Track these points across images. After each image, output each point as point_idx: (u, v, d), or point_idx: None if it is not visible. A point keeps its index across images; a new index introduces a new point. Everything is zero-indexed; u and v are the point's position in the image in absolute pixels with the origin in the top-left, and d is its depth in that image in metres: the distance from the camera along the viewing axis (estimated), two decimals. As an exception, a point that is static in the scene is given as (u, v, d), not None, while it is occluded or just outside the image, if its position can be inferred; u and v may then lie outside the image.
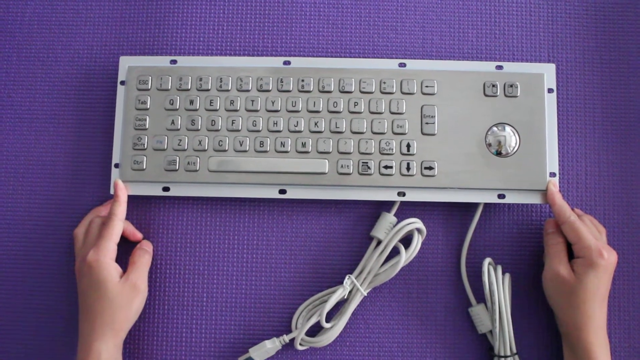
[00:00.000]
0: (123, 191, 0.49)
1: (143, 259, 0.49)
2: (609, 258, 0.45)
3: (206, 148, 0.50)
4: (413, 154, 0.49)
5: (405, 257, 0.49)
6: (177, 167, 0.50)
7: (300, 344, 0.49)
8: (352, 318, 0.50)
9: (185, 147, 0.50)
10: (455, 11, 0.54)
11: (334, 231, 0.52)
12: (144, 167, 0.50)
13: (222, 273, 0.52)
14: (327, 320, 0.49)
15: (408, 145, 0.50)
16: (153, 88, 0.51)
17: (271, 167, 0.49)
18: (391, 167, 0.49)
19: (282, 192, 0.50)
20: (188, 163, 0.50)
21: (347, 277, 0.49)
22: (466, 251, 0.51)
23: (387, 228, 0.50)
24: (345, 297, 0.49)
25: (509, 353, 0.48)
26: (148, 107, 0.51)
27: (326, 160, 0.50)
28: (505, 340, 0.47)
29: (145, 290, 0.48)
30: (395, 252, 0.49)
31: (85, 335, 0.45)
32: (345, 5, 0.55)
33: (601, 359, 0.45)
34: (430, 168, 0.49)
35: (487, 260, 0.49)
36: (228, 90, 0.51)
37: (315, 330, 0.50)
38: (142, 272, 0.48)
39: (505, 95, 0.50)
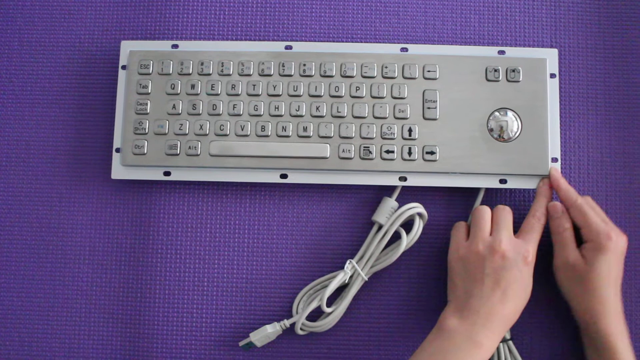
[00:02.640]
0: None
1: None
2: (618, 241, 0.45)
3: (207, 133, 0.50)
4: (415, 139, 0.49)
5: (407, 241, 0.49)
6: (178, 152, 0.50)
7: (300, 329, 0.49)
8: (353, 303, 0.50)
9: (187, 132, 0.50)
10: (457, -4, 0.54)
11: (335, 216, 0.52)
12: (145, 151, 0.50)
13: (223, 257, 0.52)
14: (328, 305, 0.49)
15: (410, 130, 0.49)
16: (154, 72, 0.51)
17: (272, 151, 0.49)
18: (392, 152, 0.49)
19: (283, 176, 0.50)
20: (189, 147, 0.50)
21: (348, 261, 0.49)
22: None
23: (388, 213, 0.50)
24: (346, 281, 0.49)
25: (506, 337, 0.48)
26: (149, 91, 0.50)
27: (327, 145, 0.49)
28: None
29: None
30: (396, 237, 0.49)
31: (480, 322, 0.43)
32: (347, -10, 0.55)
33: (620, 346, 0.44)
34: (432, 153, 0.49)
35: None
36: (229, 75, 0.50)
37: (316, 315, 0.50)
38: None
39: (508, 80, 0.50)
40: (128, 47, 0.52)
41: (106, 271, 0.52)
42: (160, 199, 0.52)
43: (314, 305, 0.48)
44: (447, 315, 0.45)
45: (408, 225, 0.50)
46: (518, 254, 0.45)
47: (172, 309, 0.51)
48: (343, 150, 0.49)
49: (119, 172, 0.50)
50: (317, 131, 0.50)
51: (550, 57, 0.50)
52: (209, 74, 0.51)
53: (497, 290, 0.44)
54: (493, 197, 0.52)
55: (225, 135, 0.50)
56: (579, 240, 0.47)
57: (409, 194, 0.52)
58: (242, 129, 0.50)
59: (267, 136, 0.50)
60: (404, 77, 0.50)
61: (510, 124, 0.49)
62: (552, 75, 0.50)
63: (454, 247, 0.47)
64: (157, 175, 0.50)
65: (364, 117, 0.50)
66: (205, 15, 0.54)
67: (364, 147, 0.49)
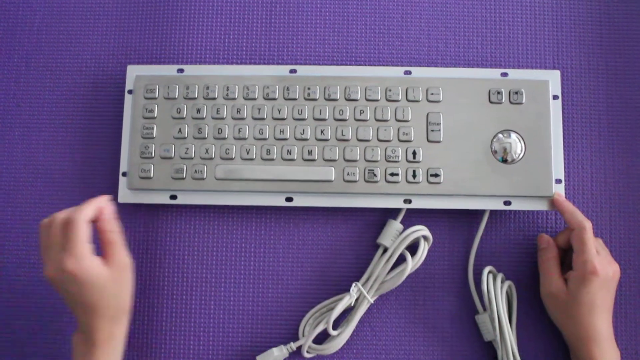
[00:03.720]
0: (103, 202, 0.46)
1: (115, 235, 0.46)
2: (604, 274, 0.45)
3: (213, 156, 0.50)
4: (419, 162, 0.50)
5: (412, 264, 0.49)
6: (184, 176, 0.50)
7: (307, 352, 0.49)
8: (359, 325, 0.51)
9: (192, 156, 0.50)
10: (460, 18, 0.55)
11: (341, 238, 0.52)
12: (152, 175, 0.50)
13: (229, 280, 0.52)
14: (334, 328, 0.49)
15: (414, 153, 0.50)
16: (160, 97, 0.51)
17: (278, 175, 0.50)
18: (397, 175, 0.50)
19: (289, 199, 0.50)
20: (195, 171, 0.50)
21: (353, 284, 0.49)
22: (473, 259, 0.51)
23: (393, 235, 0.50)
24: (352, 304, 0.49)
25: None
26: (155, 115, 0.51)
27: (332, 168, 0.50)
28: (507, 348, 0.48)
29: (130, 262, 0.46)
30: (401, 260, 0.50)
31: (94, 327, 0.44)
32: (351, 13, 0.55)
33: None
34: (436, 175, 0.49)
35: (487, 268, 0.49)
36: (235, 99, 0.51)
37: (322, 337, 0.50)
38: (122, 247, 0.45)
39: (511, 102, 0.50)
40: (134, 72, 0.52)
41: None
42: (166, 223, 0.53)
43: (320, 328, 0.49)
44: None
45: (413, 247, 0.50)
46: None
47: (179, 332, 0.51)
48: (348, 173, 0.50)
49: (125, 195, 0.51)
50: (322, 154, 0.50)
51: (552, 79, 0.51)
52: (214, 98, 0.51)
53: None
54: (498, 219, 0.52)
55: (231, 159, 0.50)
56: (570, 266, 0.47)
57: (413, 216, 0.52)
58: (248, 153, 0.50)
59: (272, 160, 0.50)
60: (408, 100, 0.51)
61: (514, 146, 0.49)
62: (555, 97, 0.50)
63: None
64: (163, 199, 0.51)
65: (368, 140, 0.50)
66: (210, 39, 0.55)
67: (369, 169, 0.50)
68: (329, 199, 0.50)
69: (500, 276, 0.49)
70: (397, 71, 0.52)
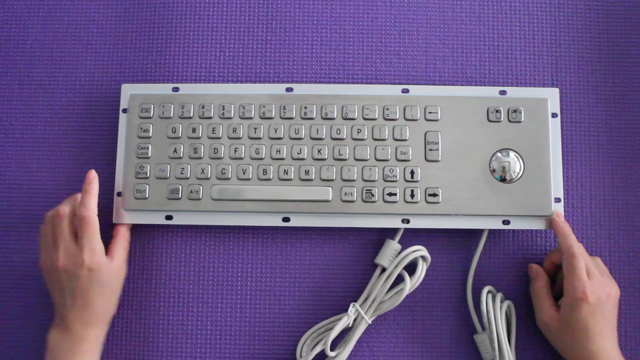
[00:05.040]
0: (95, 183, 0.47)
1: (122, 236, 0.50)
2: (595, 298, 0.44)
3: (209, 176, 0.50)
4: (417, 181, 0.49)
5: (410, 284, 0.48)
6: (180, 196, 0.50)
7: None
8: (357, 346, 0.50)
9: (188, 176, 0.50)
10: (458, 36, 0.54)
11: (338, 258, 0.52)
12: (147, 195, 0.50)
13: (226, 301, 0.51)
14: (332, 349, 0.48)
15: (412, 172, 0.49)
16: (155, 116, 0.51)
17: (274, 195, 0.49)
18: (395, 195, 0.49)
19: (286, 220, 0.50)
20: (191, 192, 0.50)
21: (351, 305, 0.49)
22: (472, 278, 0.50)
23: (391, 255, 0.50)
24: (350, 325, 0.49)
25: None
26: (150, 135, 0.50)
27: (330, 188, 0.49)
28: None
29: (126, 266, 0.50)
30: (399, 279, 0.49)
31: (85, 321, 0.46)
32: (348, 31, 0.55)
33: None
34: (435, 195, 0.49)
35: (487, 288, 0.49)
36: (230, 118, 0.50)
37: (320, 358, 0.49)
38: (125, 250, 0.50)
39: (509, 121, 0.50)
40: (129, 91, 0.51)
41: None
42: (162, 243, 0.52)
43: (318, 349, 0.48)
44: None
45: (411, 266, 0.49)
46: None
47: (176, 354, 0.51)
48: (345, 194, 0.49)
49: (120, 216, 0.50)
50: (319, 174, 0.50)
51: (551, 97, 0.50)
52: (210, 117, 0.50)
53: None
54: (496, 238, 0.52)
55: (227, 179, 0.50)
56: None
57: (411, 236, 0.51)
58: (244, 173, 0.50)
59: (269, 179, 0.50)
60: (406, 119, 0.50)
61: (513, 165, 0.49)
62: (554, 115, 0.50)
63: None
64: (159, 219, 0.50)
65: (365, 160, 0.50)
66: (205, 57, 0.54)
67: (366, 189, 0.49)
68: (327, 219, 0.50)
69: (499, 296, 0.49)
70: (394, 89, 0.51)
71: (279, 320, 0.51)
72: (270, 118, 0.50)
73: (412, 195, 0.49)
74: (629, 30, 0.54)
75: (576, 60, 0.54)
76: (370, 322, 0.49)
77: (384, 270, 0.50)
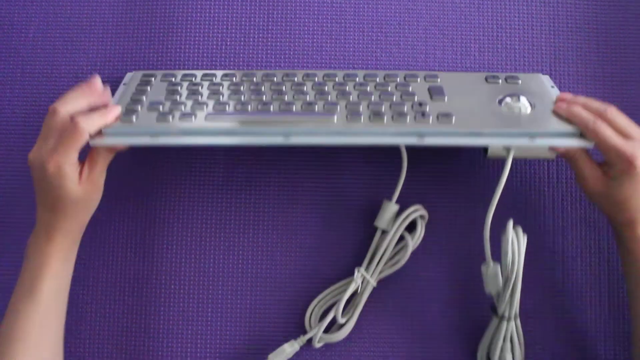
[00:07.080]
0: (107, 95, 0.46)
1: (101, 155, 0.45)
2: None
3: (207, 104, 0.46)
4: (426, 110, 0.46)
5: (412, 244, 0.49)
6: (172, 120, 0.45)
7: (317, 342, 0.49)
8: (363, 309, 0.50)
9: (184, 101, 0.47)
10: (457, 25, 0.55)
11: (335, 223, 0.52)
12: (134, 120, 0.45)
13: (226, 280, 0.52)
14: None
15: (420, 104, 0.46)
16: (156, 80, 0.50)
17: (275, 118, 0.45)
18: (405, 115, 0.45)
19: (286, 138, 0.44)
20: (183, 114, 0.45)
21: (356, 269, 0.49)
22: (493, 209, 0.46)
23: (390, 217, 0.50)
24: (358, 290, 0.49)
25: (513, 315, 0.47)
26: (149, 89, 0.48)
27: (337, 106, 0.46)
28: (514, 302, 0.46)
29: (102, 185, 0.46)
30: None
31: (45, 225, 0.44)
32: (348, 20, 0.55)
33: None
34: (448, 115, 0.45)
35: (511, 221, 0.46)
36: (234, 82, 0.49)
37: (327, 326, 0.49)
38: (103, 172, 0.46)
39: (507, 82, 0.49)
40: (131, 79, 0.51)
41: (110, 302, 0.52)
42: (163, 228, 0.53)
43: (329, 317, 0.49)
44: None
45: (410, 226, 0.50)
46: None
47: (177, 340, 0.51)
48: (351, 113, 0.45)
49: (100, 137, 0.45)
50: (323, 105, 0.46)
51: (546, 79, 0.50)
52: (212, 80, 0.49)
53: None
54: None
55: (225, 103, 0.47)
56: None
57: (406, 192, 0.51)
58: (243, 106, 0.46)
59: (268, 111, 0.46)
60: (406, 80, 0.49)
61: (524, 110, 0.46)
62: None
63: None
64: (144, 140, 0.45)
65: (370, 96, 0.47)
66: (207, 46, 0.55)
67: (374, 112, 0.45)
68: (330, 137, 0.45)
69: (520, 229, 0.46)
70: (394, 77, 0.51)
71: (279, 293, 0.52)
72: (272, 81, 0.49)
73: (424, 115, 0.45)
74: (627, 21, 0.55)
75: (574, 50, 0.54)
76: (375, 285, 0.50)
77: (384, 232, 0.50)
